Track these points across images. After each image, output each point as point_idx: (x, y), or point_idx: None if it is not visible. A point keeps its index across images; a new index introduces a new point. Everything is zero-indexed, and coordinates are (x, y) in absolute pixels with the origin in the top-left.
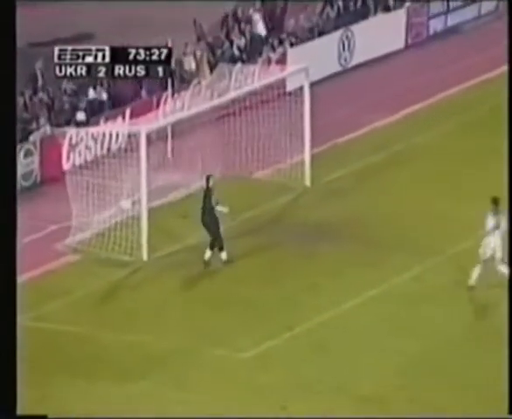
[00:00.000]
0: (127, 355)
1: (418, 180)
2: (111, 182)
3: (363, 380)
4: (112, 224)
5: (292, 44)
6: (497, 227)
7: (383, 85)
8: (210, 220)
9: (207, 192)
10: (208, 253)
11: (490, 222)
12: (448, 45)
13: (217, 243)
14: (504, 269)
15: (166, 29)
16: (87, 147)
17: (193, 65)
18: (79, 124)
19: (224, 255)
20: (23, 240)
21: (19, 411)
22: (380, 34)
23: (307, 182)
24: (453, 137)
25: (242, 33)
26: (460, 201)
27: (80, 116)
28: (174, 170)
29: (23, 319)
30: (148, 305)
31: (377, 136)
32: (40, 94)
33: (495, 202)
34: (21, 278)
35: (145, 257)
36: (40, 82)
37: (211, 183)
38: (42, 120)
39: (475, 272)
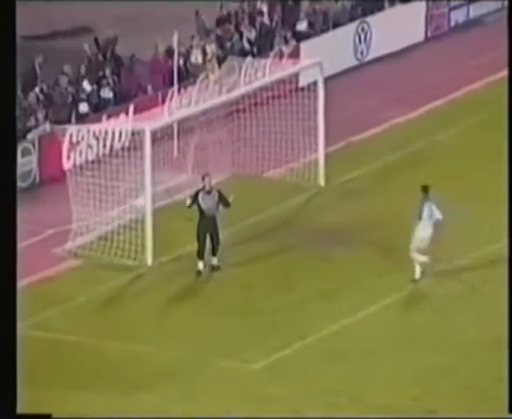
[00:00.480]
0: (130, 366)
1: (439, 180)
2: (113, 183)
3: (379, 390)
4: (115, 227)
5: (309, 24)
6: (430, 217)
7: (401, 81)
8: (199, 222)
9: (199, 192)
10: (214, 259)
11: (424, 211)
12: (470, 38)
13: (198, 249)
14: (421, 258)
15: (171, 22)
16: (89, 146)
17: (200, 59)
18: (81, 116)
19: (200, 265)
20: (21, 244)
21: None
22: (398, 26)
23: (322, 182)
24: (476, 134)
25: (252, 25)
26: (484, 203)
27: (83, 108)
28: (180, 170)
29: (20, 327)
30: (152, 313)
31: (395, 134)
32: (37, 89)
33: (425, 190)
34: (19, 284)
35: (150, 261)
36: (39, 77)
37: (206, 183)
38: (40, 117)
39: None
